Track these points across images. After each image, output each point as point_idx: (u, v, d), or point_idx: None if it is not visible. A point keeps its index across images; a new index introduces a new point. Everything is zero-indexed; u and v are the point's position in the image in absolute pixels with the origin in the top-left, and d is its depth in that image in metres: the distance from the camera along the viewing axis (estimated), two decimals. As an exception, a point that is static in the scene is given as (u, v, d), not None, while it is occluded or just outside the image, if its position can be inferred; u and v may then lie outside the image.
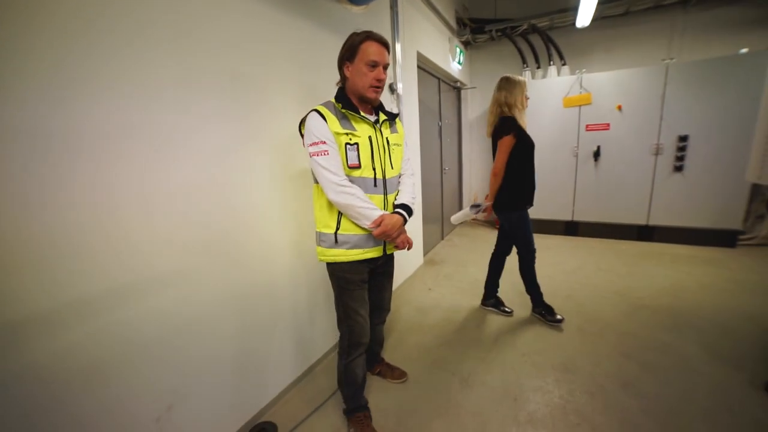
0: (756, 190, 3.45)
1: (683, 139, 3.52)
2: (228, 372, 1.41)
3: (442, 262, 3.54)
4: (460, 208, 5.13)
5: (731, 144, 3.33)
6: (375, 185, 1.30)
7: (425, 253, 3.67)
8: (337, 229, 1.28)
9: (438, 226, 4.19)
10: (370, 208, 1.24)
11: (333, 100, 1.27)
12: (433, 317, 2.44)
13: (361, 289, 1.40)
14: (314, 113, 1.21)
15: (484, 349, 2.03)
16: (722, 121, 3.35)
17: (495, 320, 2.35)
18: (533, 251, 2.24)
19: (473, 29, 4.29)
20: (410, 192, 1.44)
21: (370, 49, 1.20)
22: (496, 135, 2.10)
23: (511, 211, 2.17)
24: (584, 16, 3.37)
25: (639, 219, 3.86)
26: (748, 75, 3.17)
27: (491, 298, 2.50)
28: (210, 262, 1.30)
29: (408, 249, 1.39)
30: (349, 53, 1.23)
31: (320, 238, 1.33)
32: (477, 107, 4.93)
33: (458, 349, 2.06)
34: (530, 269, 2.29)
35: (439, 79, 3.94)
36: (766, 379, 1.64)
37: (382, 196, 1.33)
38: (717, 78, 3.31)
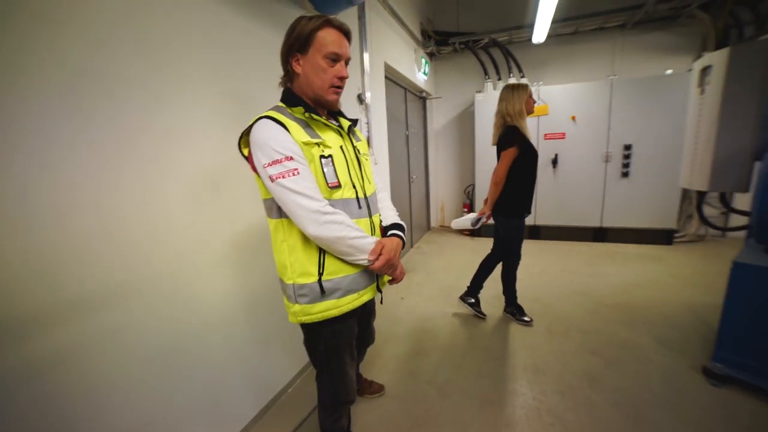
0: (686, 192, 3.88)
1: (628, 147, 3.85)
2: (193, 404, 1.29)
3: (413, 270, 3.56)
4: (428, 216, 5.22)
5: (666, 152, 3.69)
6: (359, 207, 1.04)
7: (397, 261, 3.66)
8: (321, 274, 0.98)
9: (407, 234, 4.22)
10: (362, 237, 0.98)
11: (283, 104, 1.00)
12: (407, 327, 2.43)
13: (352, 346, 1.14)
14: (266, 121, 0.91)
15: (459, 356, 2.05)
16: (658, 132, 3.71)
17: (467, 326, 2.39)
18: (519, 257, 2.33)
19: (437, 41, 4.43)
20: (393, 208, 1.26)
21: (330, 38, 0.94)
22: (500, 145, 2.12)
23: (512, 219, 2.21)
24: (539, 34, 3.60)
25: (594, 221, 4.15)
26: (674, 93, 3.56)
27: (473, 297, 2.52)
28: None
29: (400, 281, 1.15)
30: (299, 43, 0.95)
31: (297, 293, 0.99)
32: (442, 116, 5.07)
33: (434, 357, 2.06)
34: (513, 273, 2.37)
35: (405, 89, 4.01)
36: (703, 363, 1.81)
37: (368, 218, 1.07)
38: (651, 94, 3.68)
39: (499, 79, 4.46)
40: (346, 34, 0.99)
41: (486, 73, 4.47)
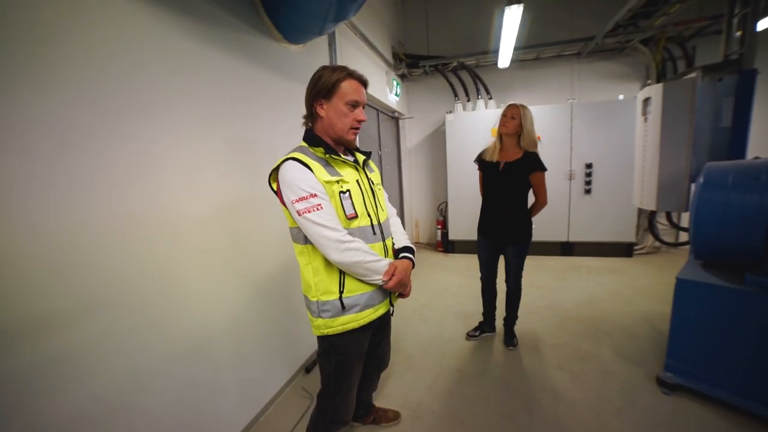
0: (641, 208, 4.15)
1: (589, 166, 4.11)
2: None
3: (389, 287, 3.58)
4: (405, 230, 5.27)
5: (623, 170, 3.96)
6: (374, 233, 1.18)
7: (372, 280, 3.67)
8: (342, 293, 1.13)
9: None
10: (377, 260, 1.12)
11: (305, 144, 1.15)
12: (382, 347, 2.43)
13: (360, 362, 1.28)
14: (293, 163, 1.06)
15: (431, 377, 2.07)
16: (615, 152, 3.99)
17: (440, 346, 2.43)
18: (481, 275, 2.40)
19: (408, 63, 4.60)
20: (404, 232, 1.39)
21: (351, 88, 1.11)
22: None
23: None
24: (504, 59, 3.83)
25: (561, 236, 4.35)
26: (627, 116, 3.86)
27: (487, 325, 2.51)
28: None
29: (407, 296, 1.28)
30: (324, 91, 1.11)
31: (320, 309, 1.15)
32: (415, 136, 5.21)
33: (407, 378, 2.07)
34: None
35: (377, 110, 4.11)
36: (657, 372, 1.92)
37: (381, 242, 1.21)
38: (607, 117, 3.97)
39: (468, 100, 4.66)
40: (365, 84, 1.16)
41: (456, 94, 4.66)
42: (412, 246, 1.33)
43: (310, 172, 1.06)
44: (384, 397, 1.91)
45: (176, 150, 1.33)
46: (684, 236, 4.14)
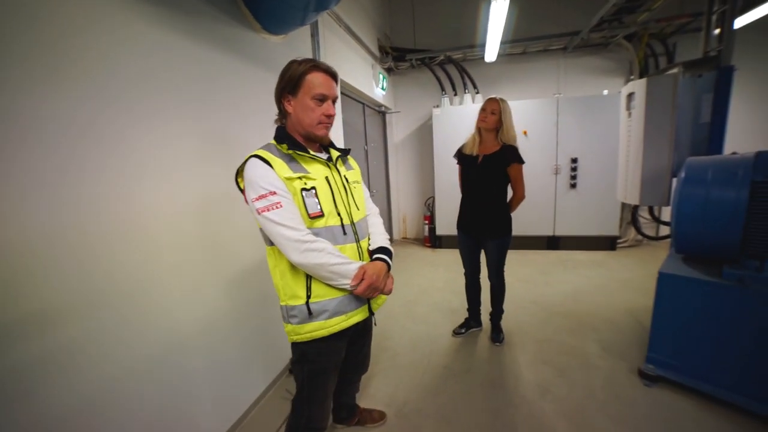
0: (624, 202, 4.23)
1: (575, 161, 4.14)
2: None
3: (376, 284, 3.55)
4: (390, 228, 5.26)
5: (607, 165, 4.01)
6: (345, 233, 1.11)
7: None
8: (309, 297, 1.07)
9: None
10: (346, 263, 1.05)
11: (274, 142, 1.10)
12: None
13: (335, 371, 1.22)
14: (255, 160, 1.02)
15: (419, 375, 2.06)
16: (600, 147, 4.03)
17: (427, 344, 2.41)
18: (465, 270, 2.38)
19: (395, 57, 4.53)
20: (383, 232, 1.30)
21: (317, 81, 1.05)
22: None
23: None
24: (490, 53, 3.81)
25: (547, 230, 4.39)
26: (611, 111, 3.89)
27: (473, 321, 2.50)
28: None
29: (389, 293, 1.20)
30: (290, 85, 1.06)
31: (288, 314, 1.10)
32: (402, 130, 5.16)
33: (392, 377, 2.05)
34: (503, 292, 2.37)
35: (363, 104, 4.05)
36: (639, 365, 1.95)
37: (355, 244, 1.14)
38: (592, 111, 4.00)
39: (455, 94, 4.64)
40: (333, 76, 1.10)
41: (443, 88, 4.62)
42: (388, 247, 1.24)
43: (270, 168, 1.01)
44: (369, 397, 1.89)
45: (149, 144, 1.25)
46: (664, 230, 4.23)
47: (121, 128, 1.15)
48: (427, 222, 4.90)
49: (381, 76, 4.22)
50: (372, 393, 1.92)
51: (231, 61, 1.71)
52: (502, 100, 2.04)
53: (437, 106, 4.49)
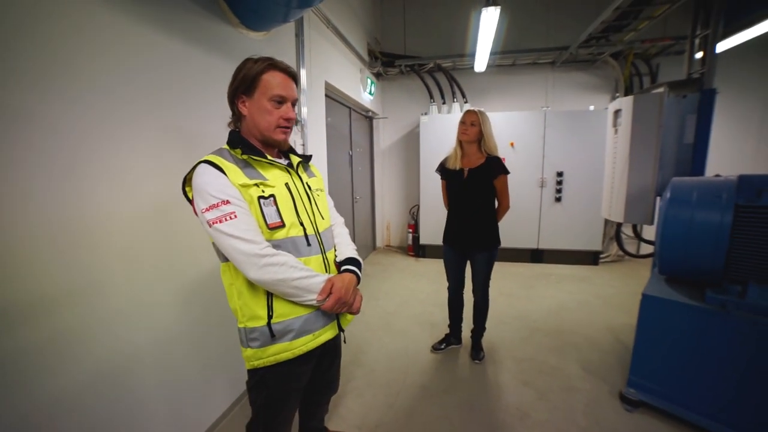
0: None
1: (560, 174, 4.14)
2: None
3: (356, 294, 3.43)
4: (374, 235, 5.15)
5: (592, 180, 4.03)
6: (309, 244, 1.01)
7: (339, 286, 3.50)
8: (270, 317, 0.95)
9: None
10: (310, 276, 0.95)
11: (227, 147, 1.00)
12: (342, 360, 2.26)
13: (297, 397, 1.11)
14: (204, 166, 0.90)
15: (393, 395, 1.95)
16: (585, 161, 4.05)
17: (405, 360, 2.30)
18: (449, 284, 2.32)
19: (384, 62, 4.47)
20: (350, 243, 1.21)
21: (275, 81, 0.96)
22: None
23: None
24: (480, 63, 3.79)
25: (531, 243, 4.37)
26: (597, 127, 3.92)
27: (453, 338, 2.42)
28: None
29: (357, 312, 1.10)
30: (245, 85, 0.96)
31: (248, 337, 0.97)
32: (389, 137, 5.09)
33: (367, 396, 1.93)
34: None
35: (350, 108, 3.95)
36: (620, 388, 1.89)
37: (321, 255, 1.05)
38: (578, 126, 4.02)
39: (444, 102, 4.60)
40: (292, 76, 1.00)
41: (431, 96, 4.58)
42: (357, 258, 1.16)
43: (222, 175, 0.90)
44: (339, 418, 1.76)
45: (103, 139, 1.12)
46: (645, 247, 4.26)
47: (75, 123, 1.03)
48: (411, 231, 4.81)
49: (369, 81, 4.15)
50: (343, 413, 1.80)
51: (203, 55, 1.58)
52: (480, 111, 2.03)
53: (425, 114, 4.44)
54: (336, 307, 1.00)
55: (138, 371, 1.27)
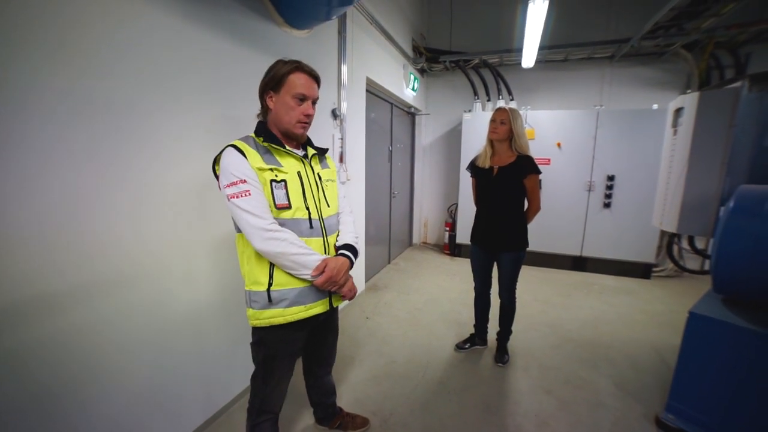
0: (669, 228, 3.85)
1: (611, 178, 3.83)
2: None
3: (384, 287, 3.49)
4: (410, 232, 5.17)
5: (648, 186, 3.67)
6: (311, 227, 1.15)
7: (368, 279, 3.60)
8: (270, 285, 1.10)
9: (384, 248, 4.16)
10: (308, 254, 1.09)
11: (253, 135, 1.14)
12: (366, 350, 2.36)
13: (291, 360, 1.25)
14: (230, 149, 1.06)
15: (410, 387, 1.98)
16: (642, 165, 3.70)
17: (427, 355, 2.32)
18: (475, 285, 2.29)
19: (429, 58, 4.43)
20: (352, 231, 1.31)
21: (299, 81, 1.10)
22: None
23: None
24: (528, 59, 3.61)
25: (574, 250, 4.10)
26: (659, 128, 3.55)
27: (478, 337, 2.39)
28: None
29: (351, 299, 1.24)
30: (273, 83, 1.11)
31: (251, 299, 1.13)
32: (431, 133, 5.05)
33: (385, 385, 1.98)
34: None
35: (392, 104, 3.99)
36: (657, 412, 1.74)
37: (321, 238, 1.17)
38: (636, 127, 3.67)
39: (488, 100, 4.46)
40: (316, 78, 1.15)
41: (476, 93, 4.47)
42: (354, 245, 1.27)
43: (244, 158, 1.05)
44: (357, 402, 1.84)
45: (164, 133, 1.30)
46: (704, 264, 3.81)
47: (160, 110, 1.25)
48: (448, 229, 4.76)
49: (412, 77, 4.15)
50: (360, 398, 1.87)
51: (252, 54, 1.72)
52: (511, 109, 1.98)
53: (469, 111, 4.34)
54: (327, 285, 1.13)
55: (177, 340, 1.46)
